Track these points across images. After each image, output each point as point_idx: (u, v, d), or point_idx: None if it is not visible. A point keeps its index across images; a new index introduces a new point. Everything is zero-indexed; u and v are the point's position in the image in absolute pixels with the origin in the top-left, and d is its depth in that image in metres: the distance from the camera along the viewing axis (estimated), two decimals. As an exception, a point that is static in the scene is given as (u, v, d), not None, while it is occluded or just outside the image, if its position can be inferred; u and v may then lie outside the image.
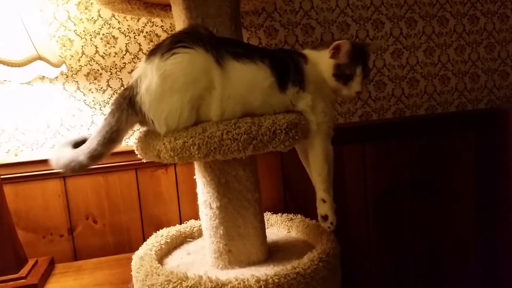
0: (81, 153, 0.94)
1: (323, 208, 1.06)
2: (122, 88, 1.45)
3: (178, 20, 1.13)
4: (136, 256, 1.21)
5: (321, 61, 1.03)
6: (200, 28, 0.96)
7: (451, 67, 1.68)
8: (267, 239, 1.33)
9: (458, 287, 1.78)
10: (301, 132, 0.97)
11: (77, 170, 0.95)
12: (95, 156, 0.94)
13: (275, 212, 1.50)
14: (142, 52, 1.46)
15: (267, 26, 1.53)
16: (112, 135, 0.93)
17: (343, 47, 0.99)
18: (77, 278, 1.26)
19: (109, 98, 1.45)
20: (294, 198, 1.61)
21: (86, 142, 0.96)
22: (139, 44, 1.45)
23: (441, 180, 1.71)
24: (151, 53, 0.93)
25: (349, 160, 1.63)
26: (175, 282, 1.00)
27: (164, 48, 0.91)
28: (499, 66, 1.71)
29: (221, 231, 1.15)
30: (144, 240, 1.48)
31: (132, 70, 1.45)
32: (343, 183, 1.64)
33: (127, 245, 1.50)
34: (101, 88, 1.45)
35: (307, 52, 1.08)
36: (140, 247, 1.27)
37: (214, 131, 0.89)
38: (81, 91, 1.43)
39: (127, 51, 1.45)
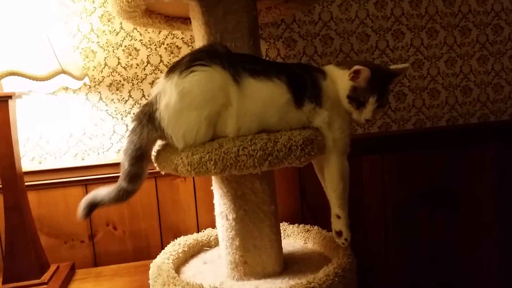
0: (121, 180, 0.99)
1: (338, 224, 1.06)
2: (144, 99, 1.49)
3: (198, 35, 1.15)
4: (154, 264, 1.23)
5: (341, 80, 1.03)
6: (218, 46, 0.97)
7: (473, 78, 1.65)
8: (283, 250, 1.33)
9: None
10: (317, 148, 0.97)
11: (126, 197, 0.99)
12: (132, 177, 0.98)
13: (292, 222, 1.51)
14: (163, 64, 1.49)
15: (286, 37, 1.54)
16: (137, 153, 0.96)
17: (362, 74, 0.98)
18: (96, 284, 1.29)
19: (131, 108, 1.48)
20: (311, 209, 1.60)
21: (121, 167, 0.99)
22: (160, 56, 1.48)
23: (461, 193, 1.68)
24: (170, 70, 0.95)
25: (368, 171, 1.62)
26: (190, 293, 1.02)
27: (182, 66, 0.93)
28: (523, 77, 1.68)
29: (237, 243, 1.16)
30: (163, 247, 1.51)
31: (153, 81, 1.49)
32: (362, 194, 1.63)
33: (145, 252, 1.53)
34: (123, 98, 1.48)
35: (329, 68, 1.08)
36: (158, 256, 1.30)
37: (230, 147, 0.90)
38: (103, 101, 1.47)
39: (148, 62, 1.48)
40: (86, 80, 1.34)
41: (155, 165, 1.05)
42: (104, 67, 1.46)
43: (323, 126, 1.00)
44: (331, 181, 1.04)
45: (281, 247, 1.23)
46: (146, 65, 1.48)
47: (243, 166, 0.90)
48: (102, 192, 1.03)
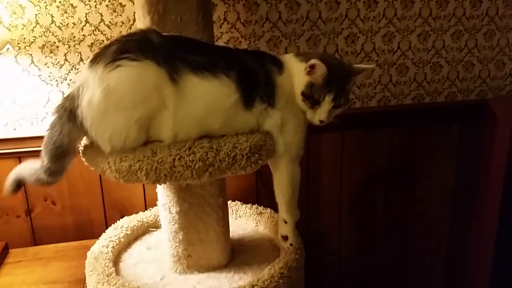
0: (41, 171, 0.88)
1: (284, 228, 0.99)
2: (82, 63, 1.32)
3: (138, 4, 0.98)
4: (91, 254, 1.15)
5: (298, 73, 0.91)
6: (152, 35, 0.82)
7: (445, 54, 1.55)
8: (233, 232, 1.28)
9: (426, 279, 1.79)
10: (265, 154, 0.87)
11: (48, 185, 0.90)
12: (53, 173, 0.88)
13: (246, 200, 1.44)
14: (104, 24, 1.30)
15: (248, 0, 1.37)
16: (58, 151, 0.84)
17: (318, 69, 0.86)
18: (29, 271, 1.20)
19: (67, 74, 1.32)
20: (267, 187, 1.53)
21: (40, 158, 0.88)
22: (101, 15, 1.29)
23: (418, 172, 1.65)
24: (95, 59, 0.80)
25: (327, 148, 1.55)
26: (124, 297, 0.95)
27: (108, 57, 0.78)
28: (496, 55, 1.59)
29: (180, 236, 1.09)
30: (107, 225, 1.43)
31: (92, 44, 1.31)
32: (319, 172, 1.57)
33: (88, 229, 1.45)
34: (58, 62, 1.30)
35: (288, 58, 0.95)
36: (97, 241, 1.21)
37: (165, 156, 0.79)
38: (35, 65, 1.29)
39: (87, 21, 1.29)
40: (8, 47, 1.15)
41: (83, 160, 0.93)
42: (35, 26, 1.26)
43: (274, 130, 0.90)
44: (281, 186, 0.96)
45: (228, 239, 1.17)
46: (85, 25, 1.29)
47: (180, 178, 0.79)
48: (26, 169, 0.92)
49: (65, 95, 0.86)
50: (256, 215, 1.37)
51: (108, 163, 0.81)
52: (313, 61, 0.85)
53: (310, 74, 0.87)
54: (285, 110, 0.90)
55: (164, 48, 0.81)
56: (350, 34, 1.46)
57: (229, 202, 1.43)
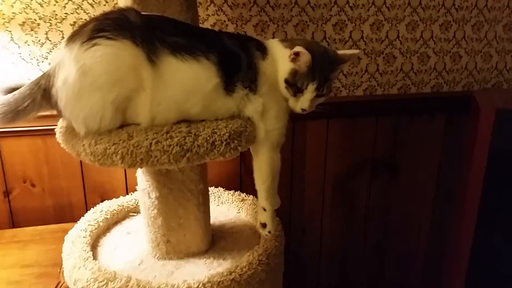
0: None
1: (263, 216, 0.99)
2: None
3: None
4: (68, 238, 1.14)
5: (282, 60, 0.89)
6: (130, 13, 0.79)
7: (433, 45, 1.55)
8: (215, 219, 1.27)
9: (405, 268, 1.81)
10: (245, 141, 0.86)
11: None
12: (8, 119, 0.81)
13: (229, 187, 1.44)
14: (87, 2, 1.26)
15: (234, -18, 1.34)
16: (19, 115, 0.79)
17: (302, 57, 0.85)
18: (5, 253, 1.18)
19: (48, 53, 1.28)
20: (250, 173, 1.52)
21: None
22: (84, -7, 1.26)
23: (402, 163, 1.65)
24: (71, 37, 0.77)
25: (312, 136, 1.55)
26: (101, 282, 0.94)
27: (84, 35, 0.75)
28: (483, 47, 1.59)
29: (160, 222, 1.08)
30: (87, 208, 1.41)
31: (75, 23, 1.27)
32: (303, 159, 1.57)
33: (68, 212, 1.43)
34: (39, 40, 1.27)
35: (272, 43, 0.93)
36: (75, 225, 1.20)
37: (141, 140, 0.77)
38: (15, 43, 1.25)
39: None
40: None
41: (60, 142, 0.91)
42: (15, 2, 1.22)
43: (255, 116, 0.88)
44: (260, 173, 0.95)
45: (209, 225, 1.16)
46: (67, 3, 1.25)
47: (156, 162, 0.78)
48: None
49: (39, 75, 0.83)
50: (238, 202, 1.37)
51: (83, 145, 0.79)
52: (297, 48, 0.83)
53: (294, 61, 0.86)
54: (267, 96, 0.88)
55: (143, 28, 0.79)
56: (338, 21, 1.44)
57: (212, 188, 1.42)
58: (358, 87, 1.54)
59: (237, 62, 0.86)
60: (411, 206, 1.71)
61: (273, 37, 1.41)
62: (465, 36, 1.56)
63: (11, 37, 1.25)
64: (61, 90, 0.76)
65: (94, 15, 1.27)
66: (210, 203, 1.21)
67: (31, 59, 1.27)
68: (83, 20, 1.27)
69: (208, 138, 0.80)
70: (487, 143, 1.46)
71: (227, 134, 0.81)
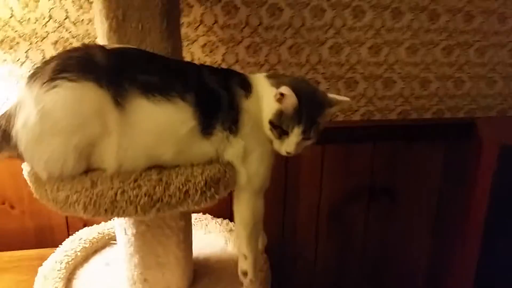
0: None
1: (244, 264, 0.91)
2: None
3: (96, 8, 0.89)
4: (41, 272, 1.08)
5: (267, 98, 0.82)
6: (96, 52, 0.73)
7: (435, 69, 1.48)
8: (200, 250, 1.21)
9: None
10: (224, 187, 0.79)
11: None
12: None
13: (218, 214, 1.37)
14: (70, 21, 1.20)
15: (226, 2, 1.27)
16: None
17: (288, 99, 0.78)
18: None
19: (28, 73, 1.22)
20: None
21: None
22: (66, 11, 1.19)
23: (400, 190, 1.58)
24: (32, 76, 0.71)
25: (306, 161, 1.48)
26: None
27: (45, 75, 0.69)
28: (487, 72, 1.51)
29: (136, 259, 1.02)
30: (68, 231, 1.36)
31: (56, 41, 1.22)
32: (297, 184, 1.51)
33: (49, 235, 1.37)
34: (18, 59, 1.21)
35: (258, 79, 0.86)
36: (51, 256, 1.14)
37: (105, 189, 0.70)
38: (-7, 62, 1.20)
39: (50, 17, 1.19)
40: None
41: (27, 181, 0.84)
42: (-6, 19, 1.17)
43: (236, 161, 0.81)
44: (241, 219, 0.88)
45: (190, 263, 1.10)
46: (48, 21, 1.19)
47: (122, 213, 0.71)
48: None
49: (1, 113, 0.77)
50: (226, 232, 1.30)
51: (45, 190, 0.73)
52: (283, 89, 0.77)
53: (280, 101, 0.79)
54: (250, 138, 0.81)
55: (109, 68, 0.72)
56: (334, 44, 1.38)
57: (199, 215, 1.36)
58: (355, 112, 1.47)
59: (217, 102, 0.79)
60: (410, 233, 1.64)
61: (266, 60, 1.35)
62: (468, 61, 1.48)
63: (-10, 56, 1.19)
64: (21, 132, 0.70)
65: (77, 34, 1.21)
66: (197, 231, 1.14)
67: (9, 78, 1.22)
68: (65, 39, 1.21)
69: (181, 187, 0.73)
70: (489, 173, 1.38)
71: (202, 182, 0.74)
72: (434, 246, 1.67)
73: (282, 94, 0.77)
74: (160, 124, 0.74)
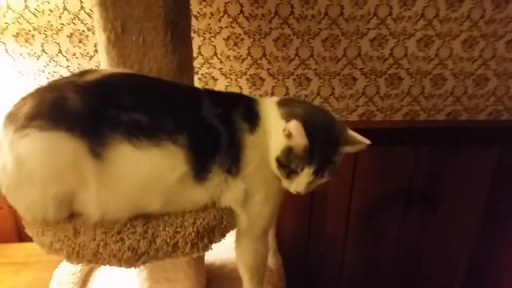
0: None
1: None
2: (60, 55, 1.17)
3: (95, 18, 0.80)
4: (55, 278, 1.07)
5: (276, 132, 0.71)
6: (70, 94, 0.63)
7: (494, 65, 1.27)
8: (216, 256, 1.18)
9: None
10: (220, 234, 0.71)
11: None
12: None
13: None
14: (84, 12, 1.12)
15: (253, -11, 1.13)
16: None
17: (295, 139, 0.67)
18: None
19: (45, 66, 1.17)
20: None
21: None
22: (81, 1, 1.11)
23: (442, 197, 1.43)
24: (8, 118, 0.64)
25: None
26: None
27: (18, 121, 0.62)
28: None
29: (144, 274, 0.98)
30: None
31: (72, 34, 1.15)
32: (326, 187, 1.39)
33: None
34: (35, 53, 1.16)
35: (268, 107, 0.74)
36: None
37: (87, 240, 0.64)
38: (10, 55, 1.15)
39: (65, 9, 1.12)
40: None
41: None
42: (7, 11, 1.11)
43: (235, 206, 0.72)
44: (243, 263, 0.80)
45: (201, 278, 1.05)
46: (63, 12, 1.12)
47: (106, 264, 0.65)
48: None
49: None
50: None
51: (32, 232, 0.68)
52: (292, 126, 0.65)
53: (290, 138, 0.68)
54: (254, 178, 0.71)
55: (84, 114, 0.62)
56: (377, 35, 1.21)
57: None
58: (397, 112, 1.32)
59: (215, 142, 0.68)
60: (449, 245, 1.51)
61: (297, 54, 1.21)
62: (538, 56, 1.26)
63: (5, 49, 1.15)
64: (1, 175, 0.64)
65: (92, 26, 1.14)
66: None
67: (27, 72, 1.18)
68: (80, 31, 1.14)
69: (169, 240, 0.65)
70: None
71: (193, 233, 0.66)
72: (475, 260, 1.52)
73: (290, 132, 0.66)
74: (144, 172, 0.65)
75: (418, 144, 1.35)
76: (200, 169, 0.67)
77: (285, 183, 0.73)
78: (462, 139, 1.36)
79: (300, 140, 0.66)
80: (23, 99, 0.65)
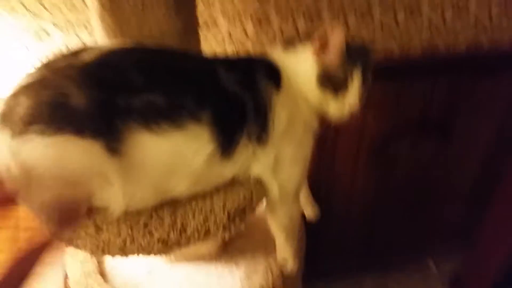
0: None
1: (283, 253, 0.85)
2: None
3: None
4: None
5: (300, 68, 0.68)
6: (71, 91, 0.53)
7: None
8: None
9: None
10: (250, 211, 0.69)
11: None
12: None
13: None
14: None
15: None
16: None
17: (332, 39, 0.65)
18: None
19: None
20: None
21: None
22: None
23: (456, 125, 1.41)
24: (2, 119, 0.55)
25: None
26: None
27: (15, 124, 0.53)
28: None
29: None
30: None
31: None
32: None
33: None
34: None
35: (281, 58, 0.70)
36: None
37: (112, 236, 0.61)
38: None
39: None
40: None
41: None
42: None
43: (265, 175, 0.69)
44: (278, 226, 0.80)
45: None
46: None
47: (137, 255, 0.64)
48: None
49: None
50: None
51: (49, 229, 0.66)
52: (321, 31, 0.65)
53: (322, 54, 0.67)
54: (282, 139, 0.67)
55: (91, 109, 0.54)
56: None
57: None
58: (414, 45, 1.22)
59: (240, 111, 0.62)
60: (459, 173, 1.51)
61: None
62: None
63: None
64: (6, 176, 0.58)
65: None
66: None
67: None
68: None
69: (200, 227, 0.63)
70: None
71: (224, 218, 0.64)
72: (482, 186, 1.54)
73: (324, 40, 0.65)
74: (169, 158, 0.59)
75: (435, 75, 1.28)
76: (227, 145, 0.62)
77: (333, 106, 0.70)
78: (480, 69, 1.29)
79: (337, 36, 0.64)
80: (15, 95, 0.55)
